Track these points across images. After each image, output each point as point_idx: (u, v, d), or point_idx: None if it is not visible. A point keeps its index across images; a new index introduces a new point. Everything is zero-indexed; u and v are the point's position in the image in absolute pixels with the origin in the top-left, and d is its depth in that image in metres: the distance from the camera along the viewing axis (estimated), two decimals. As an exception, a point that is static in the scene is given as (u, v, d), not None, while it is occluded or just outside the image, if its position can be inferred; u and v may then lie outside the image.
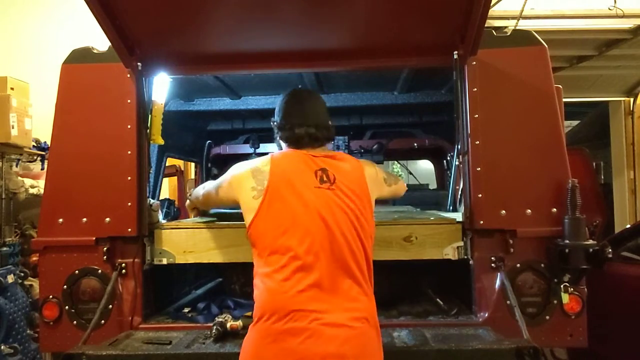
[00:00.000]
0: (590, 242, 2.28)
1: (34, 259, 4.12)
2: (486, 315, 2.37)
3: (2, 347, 3.54)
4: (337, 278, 1.76)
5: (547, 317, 2.36)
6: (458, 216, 2.68)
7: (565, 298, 2.34)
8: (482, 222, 2.40)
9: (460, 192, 3.37)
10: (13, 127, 4.23)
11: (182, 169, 6.10)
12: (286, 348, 1.65)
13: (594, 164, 4.86)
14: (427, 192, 5.70)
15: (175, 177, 5.93)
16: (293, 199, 1.84)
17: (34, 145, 4.68)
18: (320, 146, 2.04)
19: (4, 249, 4.05)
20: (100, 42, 2.48)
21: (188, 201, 2.60)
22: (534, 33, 2.55)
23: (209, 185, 2.31)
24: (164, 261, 2.54)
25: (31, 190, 4.47)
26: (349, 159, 2.03)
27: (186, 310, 2.74)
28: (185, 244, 2.52)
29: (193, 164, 6.32)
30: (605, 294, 2.85)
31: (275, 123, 2.11)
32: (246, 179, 1.95)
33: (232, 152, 4.60)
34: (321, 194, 1.85)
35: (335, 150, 3.02)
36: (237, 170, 2.04)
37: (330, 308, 1.70)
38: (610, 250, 2.31)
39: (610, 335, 3.13)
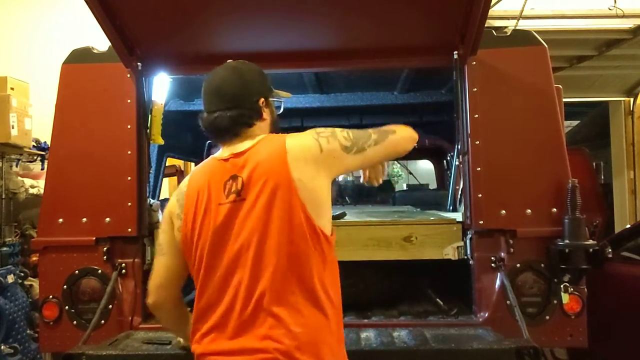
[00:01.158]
0: (590, 242, 2.27)
1: (34, 259, 4.11)
2: (486, 315, 2.37)
3: (2, 347, 3.54)
4: (248, 314, 1.44)
5: (547, 317, 2.36)
6: (458, 216, 2.68)
7: (565, 298, 2.34)
8: (482, 222, 2.40)
9: (460, 192, 3.37)
10: (13, 127, 4.23)
11: (182, 169, 6.11)
12: None
13: (594, 164, 4.86)
14: (427, 192, 5.71)
15: (175, 177, 5.93)
16: (200, 224, 1.53)
17: (34, 145, 4.68)
18: (240, 135, 1.60)
19: (4, 249, 4.05)
20: (100, 42, 2.48)
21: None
22: (534, 33, 2.55)
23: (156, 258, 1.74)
24: (164, 261, 2.54)
25: (31, 190, 4.47)
26: (269, 144, 1.56)
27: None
28: (185, 244, 2.52)
29: (193, 164, 6.33)
30: (605, 294, 2.85)
31: None
32: (173, 206, 1.63)
33: (232, 152, 4.60)
34: (225, 212, 1.50)
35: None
36: (170, 198, 1.69)
37: (234, 350, 1.43)
38: (610, 250, 2.31)
39: (610, 335, 3.12)
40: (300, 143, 1.54)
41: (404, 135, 1.70)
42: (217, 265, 1.49)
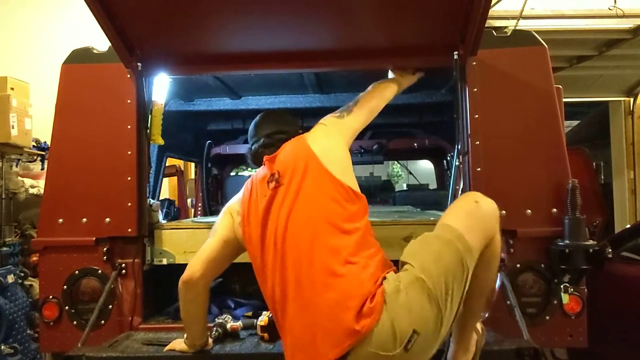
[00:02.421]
0: (590, 242, 2.27)
1: (34, 259, 4.11)
2: (486, 315, 2.37)
3: (2, 347, 3.54)
4: (289, 293, 1.65)
5: (547, 318, 2.36)
6: (458, 216, 2.67)
7: (565, 298, 2.34)
8: (482, 222, 2.39)
9: (460, 192, 3.36)
10: (13, 127, 4.23)
11: (182, 169, 6.10)
12: None
13: (594, 164, 4.85)
14: (427, 192, 5.71)
15: (175, 177, 5.92)
16: (252, 217, 1.81)
17: (34, 145, 4.68)
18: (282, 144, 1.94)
19: (4, 249, 4.05)
20: (100, 42, 2.48)
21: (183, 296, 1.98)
22: (534, 33, 2.54)
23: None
24: (164, 261, 2.54)
25: (31, 190, 4.47)
26: (292, 142, 1.91)
27: (186, 310, 2.73)
28: (185, 244, 2.52)
29: (193, 164, 6.32)
30: (605, 294, 2.85)
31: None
32: (235, 203, 1.95)
33: (232, 152, 4.59)
34: (267, 199, 1.77)
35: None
36: (230, 201, 2.03)
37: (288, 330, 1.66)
38: (610, 250, 2.31)
39: (610, 335, 3.13)
40: (313, 130, 1.96)
41: (370, 94, 2.23)
42: (268, 250, 1.71)
